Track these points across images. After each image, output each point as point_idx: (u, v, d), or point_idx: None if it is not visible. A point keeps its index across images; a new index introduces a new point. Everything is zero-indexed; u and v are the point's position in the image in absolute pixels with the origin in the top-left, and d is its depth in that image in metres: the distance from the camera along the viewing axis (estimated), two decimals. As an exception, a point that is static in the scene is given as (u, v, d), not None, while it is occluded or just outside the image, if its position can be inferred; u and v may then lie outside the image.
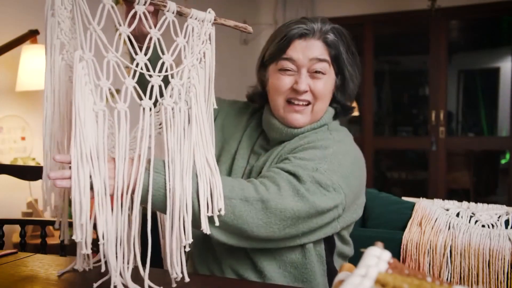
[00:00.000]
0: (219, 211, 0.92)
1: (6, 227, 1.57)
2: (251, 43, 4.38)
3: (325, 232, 1.06)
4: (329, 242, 1.12)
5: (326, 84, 1.13)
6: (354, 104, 1.27)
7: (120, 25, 0.91)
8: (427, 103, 4.38)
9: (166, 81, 0.96)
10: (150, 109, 0.91)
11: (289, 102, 1.13)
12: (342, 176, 1.04)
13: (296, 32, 1.11)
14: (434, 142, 4.26)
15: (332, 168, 1.03)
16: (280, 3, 4.52)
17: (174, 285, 0.91)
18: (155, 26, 0.96)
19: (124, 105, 0.89)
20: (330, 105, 1.18)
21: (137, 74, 0.91)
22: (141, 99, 0.92)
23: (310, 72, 1.11)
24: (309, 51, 1.10)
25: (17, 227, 2.29)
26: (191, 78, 1.00)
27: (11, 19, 2.41)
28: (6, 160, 2.45)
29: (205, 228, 0.91)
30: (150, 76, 0.95)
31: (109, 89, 0.88)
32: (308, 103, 1.13)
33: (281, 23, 4.58)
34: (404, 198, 1.55)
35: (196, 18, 1.02)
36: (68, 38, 0.92)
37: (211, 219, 0.92)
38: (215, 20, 1.04)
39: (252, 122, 1.24)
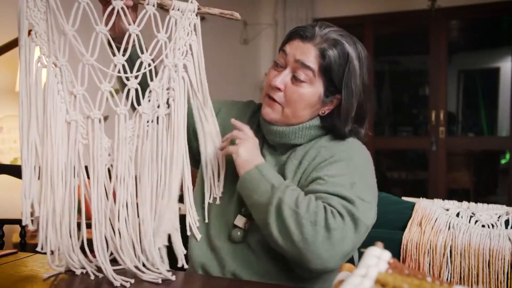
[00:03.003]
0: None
1: (6, 227, 1.57)
2: (251, 43, 4.38)
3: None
4: None
5: (303, 92, 1.07)
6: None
7: (97, 25, 0.87)
8: (427, 103, 4.38)
9: (146, 83, 0.95)
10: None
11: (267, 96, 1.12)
12: (368, 184, 1.05)
13: (298, 31, 1.09)
14: (434, 142, 4.26)
15: (361, 179, 1.03)
16: (280, 3, 4.52)
17: None
18: (134, 23, 0.92)
19: (99, 112, 0.90)
20: (322, 122, 1.12)
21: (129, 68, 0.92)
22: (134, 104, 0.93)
23: (293, 74, 1.08)
24: (300, 52, 1.07)
25: (17, 227, 2.29)
26: (171, 80, 0.97)
27: (11, 19, 2.41)
28: (6, 160, 2.45)
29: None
30: (128, 79, 0.92)
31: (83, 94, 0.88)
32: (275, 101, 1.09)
33: (281, 23, 4.58)
34: (404, 198, 1.55)
35: (178, 9, 0.97)
36: (44, 41, 0.87)
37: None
38: (198, 9, 1.00)
39: (255, 124, 1.20)
